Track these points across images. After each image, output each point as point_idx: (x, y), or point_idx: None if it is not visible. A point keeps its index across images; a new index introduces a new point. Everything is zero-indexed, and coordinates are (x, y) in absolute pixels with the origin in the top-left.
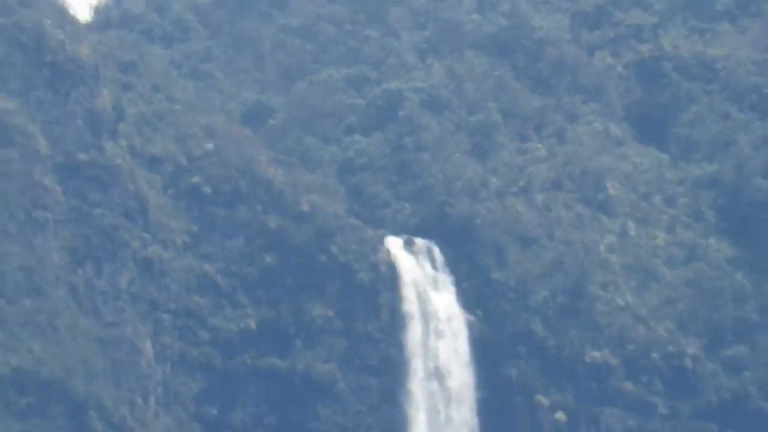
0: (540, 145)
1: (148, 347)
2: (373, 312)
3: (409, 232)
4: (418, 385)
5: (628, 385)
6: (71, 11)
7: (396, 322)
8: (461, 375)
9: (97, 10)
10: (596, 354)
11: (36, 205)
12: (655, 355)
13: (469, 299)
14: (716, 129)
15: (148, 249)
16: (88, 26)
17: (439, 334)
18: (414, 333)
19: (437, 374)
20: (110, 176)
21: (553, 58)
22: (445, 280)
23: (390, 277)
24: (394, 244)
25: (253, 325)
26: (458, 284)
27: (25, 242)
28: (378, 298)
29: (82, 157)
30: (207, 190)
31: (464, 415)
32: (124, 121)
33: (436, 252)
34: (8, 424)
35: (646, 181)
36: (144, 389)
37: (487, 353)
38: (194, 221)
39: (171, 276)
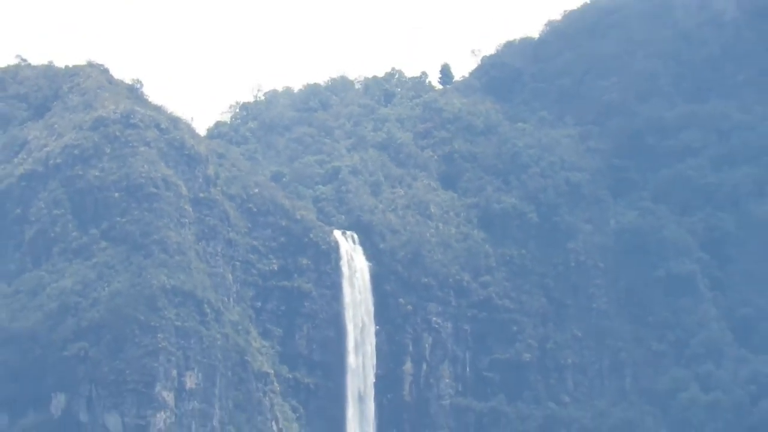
0: None
1: None
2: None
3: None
4: (348, 289)
5: None
6: None
7: (337, 265)
8: (365, 286)
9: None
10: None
11: None
12: None
13: (369, 256)
14: None
15: None
16: None
17: (356, 270)
18: (346, 270)
19: (357, 285)
20: None
21: None
22: (359, 249)
23: (335, 247)
24: (338, 234)
25: None
26: (364, 250)
27: None
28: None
29: None
30: None
31: (366, 297)
32: None
33: (356, 237)
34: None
35: None
36: None
37: (376, 280)
38: None
39: None
